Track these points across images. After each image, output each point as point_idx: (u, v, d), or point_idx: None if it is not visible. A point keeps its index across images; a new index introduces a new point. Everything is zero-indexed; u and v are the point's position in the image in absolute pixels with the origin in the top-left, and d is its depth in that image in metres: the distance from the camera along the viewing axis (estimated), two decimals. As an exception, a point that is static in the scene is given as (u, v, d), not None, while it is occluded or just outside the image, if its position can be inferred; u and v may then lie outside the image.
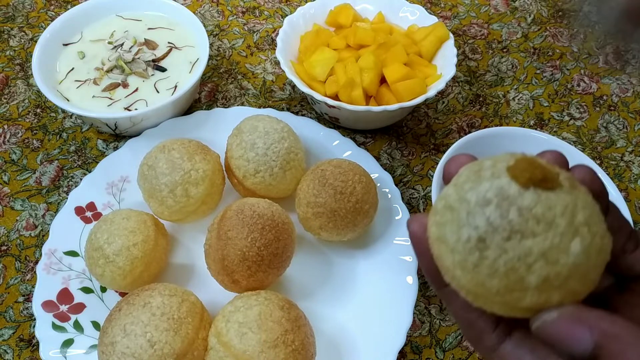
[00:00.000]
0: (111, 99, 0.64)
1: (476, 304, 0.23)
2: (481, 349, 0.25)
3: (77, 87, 0.65)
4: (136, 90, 0.65)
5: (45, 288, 0.53)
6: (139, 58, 0.67)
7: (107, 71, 0.66)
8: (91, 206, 0.59)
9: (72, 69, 0.67)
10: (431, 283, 0.25)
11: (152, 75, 0.66)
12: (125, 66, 0.66)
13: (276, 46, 0.64)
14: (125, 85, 0.66)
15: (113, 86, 0.65)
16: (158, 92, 0.65)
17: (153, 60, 0.67)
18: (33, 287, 0.54)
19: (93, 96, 0.64)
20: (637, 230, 0.25)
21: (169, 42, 0.69)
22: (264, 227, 0.48)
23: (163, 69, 0.67)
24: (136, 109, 0.63)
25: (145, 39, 0.69)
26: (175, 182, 0.52)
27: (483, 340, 0.24)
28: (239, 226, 0.48)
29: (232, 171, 0.56)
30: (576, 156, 0.57)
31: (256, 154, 0.55)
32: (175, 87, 0.65)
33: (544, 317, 0.20)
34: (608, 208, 0.25)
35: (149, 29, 0.71)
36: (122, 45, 0.68)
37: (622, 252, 0.24)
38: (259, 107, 0.69)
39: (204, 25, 0.68)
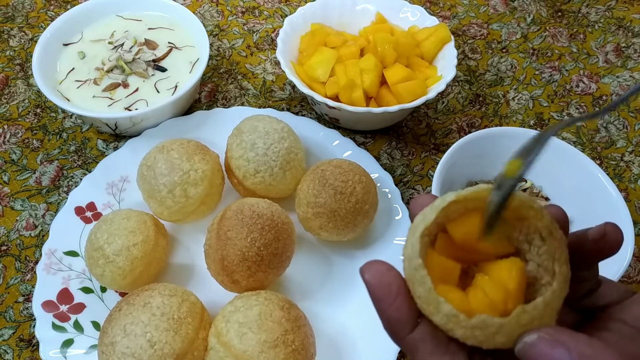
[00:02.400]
0: (111, 99, 0.64)
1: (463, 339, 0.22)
2: None
3: (78, 87, 0.65)
4: (136, 90, 0.65)
5: (45, 288, 0.53)
6: (139, 58, 0.67)
7: (108, 71, 0.66)
8: (91, 206, 0.59)
9: (73, 69, 0.67)
10: (393, 332, 0.23)
11: (153, 75, 0.66)
12: (125, 66, 0.66)
13: (276, 46, 0.64)
14: (125, 85, 0.66)
15: (113, 86, 0.65)
16: (158, 92, 0.65)
17: (153, 60, 0.67)
18: (33, 287, 0.54)
19: (93, 96, 0.64)
20: (600, 275, 0.26)
21: (169, 42, 0.69)
22: (263, 227, 0.48)
23: (163, 69, 0.67)
24: (136, 109, 0.63)
25: (145, 39, 0.69)
26: (174, 182, 0.52)
27: None
28: (239, 226, 0.48)
29: (232, 171, 0.56)
30: (576, 156, 0.57)
31: (256, 154, 0.55)
32: (176, 87, 0.65)
33: (525, 339, 0.21)
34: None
35: (149, 29, 0.71)
36: (122, 45, 0.68)
37: (589, 292, 0.26)
38: (259, 107, 0.69)
39: (204, 26, 0.68)
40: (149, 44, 0.69)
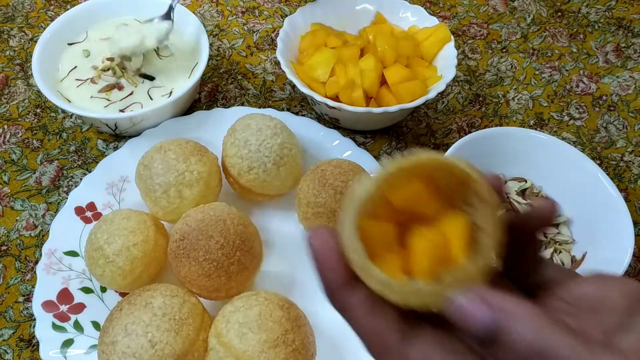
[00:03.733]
0: (108, 99, 0.64)
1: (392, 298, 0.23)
2: (386, 356, 0.23)
3: (78, 86, 0.65)
4: (131, 93, 0.65)
5: (45, 288, 0.53)
6: (124, 69, 0.66)
7: (103, 70, 0.66)
8: (91, 206, 0.59)
9: (75, 67, 0.67)
10: (331, 295, 0.24)
11: (143, 82, 0.66)
12: (117, 69, 0.66)
13: (276, 46, 0.64)
14: (120, 87, 0.66)
15: (109, 87, 0.65)
16: (151, 98, 0.65)
17: (137, 69, 0.67)
18: (33, 287, 0.54)
19: (91, 96, 0.65)
20: (546, 258, 0.27)
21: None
22: (190, 253, 0.49)
23: (151, 78, 0.67)
24: (131, 111, 0.63)
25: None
26: (169, 183, 0.52)
27: (389, 346, 0.23)
28: (182, 256, 0.49)
29: (228, 170, 0.56)
30: (576, 156, 0.57)
31: (249, 150, 0.55)
32: (171, 92, 0.65)
33: (452, 300, 0.22)
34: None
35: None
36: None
37: (532, 272, 0.27)
38: (259, 107, 0.69)
39: (204, 26, 0.68)
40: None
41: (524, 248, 0.26)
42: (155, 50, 0.68)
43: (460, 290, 0.22)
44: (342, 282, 0.24)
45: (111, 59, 0.67)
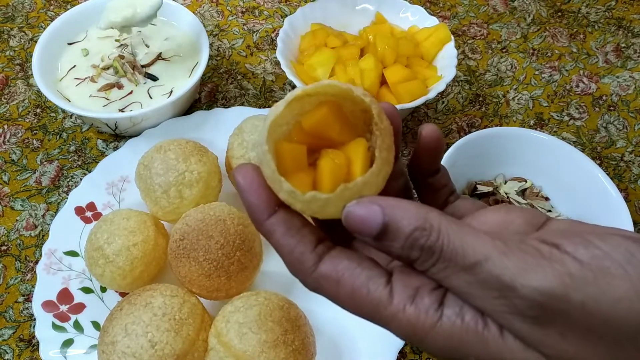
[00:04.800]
0: (107, 99, 0.64)
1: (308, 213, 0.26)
2: (303, 273, 0.26)
3: (77, 85, 0.65)
4: (130, 93, 0.65)
5: (45, 288, 0.53)
6: (125, 64, 0.66)
7: (104, 68, 0.66)
8: (91, 206, 0.59)
9: (74, 66, 0.67)
10: (255, 219, 0.26)
11: (144, 83, 0.66)
12: (119, 67, 0.66)
13: (276, 46, 0.64)
14: (120, 86, 0.66)
15: (109, 86, 0.65)
16: (151, 97, 0.65)
17: (143, 66, 0.67)
18: (33, 287, 0.54)
19: (90, 95, 0.65)
20: (456, 189, 0.31)
21: (159, 51, 0.69)
22: (191, 253, 0.49)
23: (155, 78, 0.67)
24: (131, 111, 0.63)
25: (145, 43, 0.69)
26: (169, 183, 0.52)
27: (303, 262, 0.25)
28: (182, 256, 0.49)
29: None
30: (576, 156, 0.57)
31: (257, 153, 0.54)
32: (171, 92, 0.65)
33: (347, 207, 0.24)
34: (438, 169, 0.30)
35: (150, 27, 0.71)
36: (126, 46, 0.68)
37: (446, 203, 0.30)
38: (259, 107, 0.69)
39: (204, 26, 0.68)
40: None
41: (431, 178, 0.30)
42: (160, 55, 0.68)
43: (354, 199, 0.24)
44: (265, 207, 0.26)
45: (122, 57, 0.67)
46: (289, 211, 0.26)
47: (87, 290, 0.54)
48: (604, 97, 0.73)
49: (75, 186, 0.61)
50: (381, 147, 0.25)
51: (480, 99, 0.73)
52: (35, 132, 0.67)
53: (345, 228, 0.25)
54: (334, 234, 0.28)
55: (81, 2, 0.76)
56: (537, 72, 0.75)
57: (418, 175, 0.30)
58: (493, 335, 0.23)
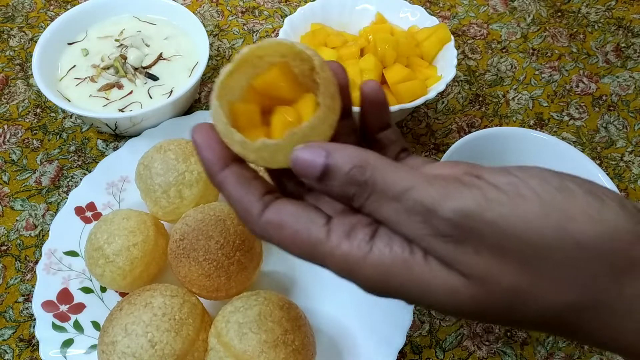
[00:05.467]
0: (107, 99, 0.64)
1: (261, 163, 0.27)
2: (250, 221, 0.27)
3: (77, 85, 0.65)
4: (130, 92, 0.65)
5: (45, 288, 0.53)
6: (125, 62, 0.66)
7: (104, 68, 0.66)
8: (91, 206, 0.59)
9: (74, 66, 0.67)
10: (208, 172, 0.28)
11: (145, 83, 0.66)
12: (119, 67, 0.66)
13: (276, 46, 0.64)
14: (120, 86, 0.66)
15: (109, 86, 0.65)
16: (151, 97, 0.65)
17: (144, 67, 0.67)
18: (33, 287, 0.54)
19: (90, 95, 0.64)
20: (408, 147, 0.32)
21: (160, 52, 0.69)
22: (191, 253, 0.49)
23: (155, 78, 0.67)
24: (131, 111, 0.63)
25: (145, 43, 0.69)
26: (169, 183, 0.52)
27: (251, 210, 0.27)
28: (182, 256, 0.49)
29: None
30: (576, 156, 0.57)
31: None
32: (171, 92, 0.65)
33: (294, 151, 0.26)
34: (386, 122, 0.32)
35: (150, 26, 0.71)
36: (126, 46, 0.68)
37: (397, 159, 0.31)
38: (259, 107, 0.69)
39: (204, 26, 0.68)
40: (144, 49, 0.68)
41: (380, 132, 0.32)
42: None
43: (300, 145, 0.26)
44: (218, 160, 0.27)
45: (124, 57, 0.67)
46: (242, 165, 0.28)
47: (87, 290, 0.54)
48: (604, 97, 0.73)
49: (75, 186, 0.61)
50: (324, 95, 0.27)
51: (480, 99, 0.73)
52: (35, 132, 0.67)
53: (298, 179, 0.26)
54: (286, 189, 0.30)
55: (81, 2, 0.76)
56: (537, 72, 0.75)
57: (367, 131, 0.32)
58: (417, 260, 0.24)
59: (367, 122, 0.32)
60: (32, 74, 0.64)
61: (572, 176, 0.24)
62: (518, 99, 0.73)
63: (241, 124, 0.27)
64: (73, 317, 0.52)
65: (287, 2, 0.82)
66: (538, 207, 0.23)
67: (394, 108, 0.59)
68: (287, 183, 0.31)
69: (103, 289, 0.54)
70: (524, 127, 0.70)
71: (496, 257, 0.23)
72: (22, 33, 0.77)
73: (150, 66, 0.67)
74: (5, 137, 0.67)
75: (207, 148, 0.27)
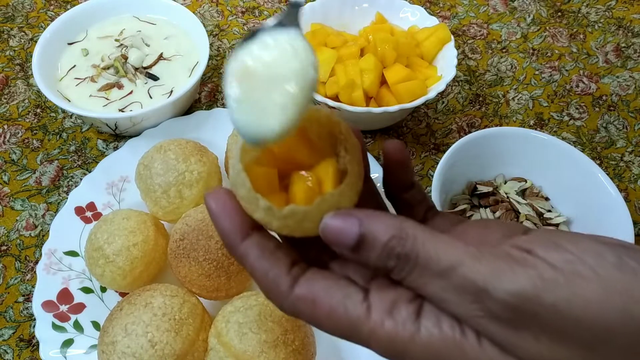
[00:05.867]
0: (107, 99, 0.64)
1: (284, 233, 0.25)
2: (278, 297, 0.25)
3: (77, 85, 0.65)
4: (131, 92, 0.65)
5: (45, 288, 0.53)
6: (126, 62, 0.66)
7: (104, 68, 0.66)
8: (91, 206, 0.59)
9: (74, 66, 0.67)
10: (228, 244, 0.26)
11: (146, 83, 0.66)
12: (120, 67, 0.66)
13: (276, 46, 0.64)
14: (120, 86, 0.66)
15: (109, 86, 0.65)
16: (151, 97, 0.65)
17: (144, 67, 0.67)
18: (33, 287, 0.54)
19: (90, 95, 0.65)
20: (434, 205, 0.31)
21: (161, 52, 0.69)
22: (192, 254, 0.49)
23: (155, 78, 0.67)
24: (131, 110, 0.63)
25: (145, 43, 0.69)
26: (169, 183, 0.52)
27: (279, 286, 0.25)
28: (182, 256, 0.49)
29: (232, 171, 0.56)
30: (576, 156, 0.57)
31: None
32: (171, 92, 0.65)
33: (324, 219, 0.24)
34: (412, 183, 0.30)
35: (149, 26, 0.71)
36: (127, 46, 0.68)
37: (424, 220, 0.30)
38: (259, 107, 0.69)
39: (204, 26, 0.68)
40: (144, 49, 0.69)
41: (405, 193, 0.30)
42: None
43: (330, 212, 0.24)
44: (238, 230, 0.25)
45: (125, 56, 0.67)
46: (263, 234, 0.26)
47: (87, 290, 0.54)
48: (604, 97, 0.73)
49: (75, 186, 0.61)
50: (352, 161, 0.26)
51: (480, 99, 0.73)
52: (35, 132, 0.67)
53: (321, 246, 0.25)
54: (308, 257, 0.27)
55: (81, 2, 0.76)
56: (537, 72, 0.75)
57: (392, 191, 0.31)
58: (471, 343, 0.23)
59: (391, 183, 0.30)
60: (32, 74, 0.64)
61: (626, 248, 0.23)
62: (518, 99, 0.73)
63: (259, 188, 0.25)
64: (73, 317, 0.52)
65: (287, 2, 0.82)
66: (598, 288, 0.21)
67: (394, 108, 0.59)
68: (309, 252, 0.28)
69: (103, 289, 0.54)
70: (524, 127, 0.70)
71: (557, 343, 0.22)
72: (22, 33, 0.77)
73: (151, 66, 0.67)
74: (5, 137, 0.67)
75: (226, 217, 0.26)
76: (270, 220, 0.25)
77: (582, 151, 0.59)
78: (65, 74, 0.66)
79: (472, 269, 0.22)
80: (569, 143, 0.61)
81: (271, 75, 0.23)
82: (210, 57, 0.75)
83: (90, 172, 0.61)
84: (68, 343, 0.50)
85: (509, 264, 0.22)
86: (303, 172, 0.27)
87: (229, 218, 0.26)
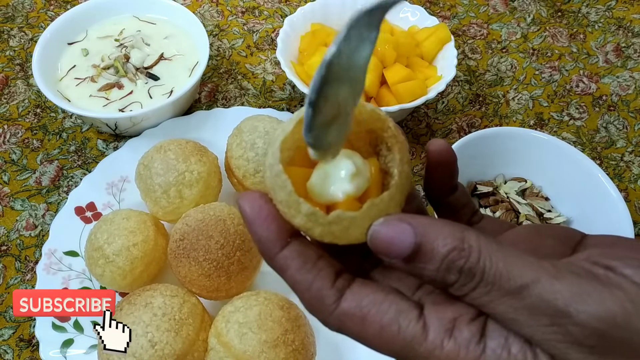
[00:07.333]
0: (107, 99, 0.64)
1: (326, 240, 0.23)
2: (323, 312, 0.23)
3: (77, 85, 0.65)
4: (131, 92, 0.65)
5: (45, 288, 0.53)
6: (127, 62, 0.66)
7: (104, 68, 0.66)
8: (91, 206, 0.59)
9: (74, 66, 0.67)
10: (265, 252, 0.24)
11: (146, 83, 0.66)
12: (120, 67, 0.66)
13: (276, 46, 0.64)
14: (120, 86, 0.66)
15: (109, 86, 0.65)
16: (151, 97, 0.65)
17: (145, 67, 0.67)
18: (33, 287, 0.54)
19: (90, 95, 0.64)
20: (479, 210, 0.28)
21: (163, 52, 0.69)
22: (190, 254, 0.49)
23: (156, 78, 0.67)
24: (131, 110, 0.63)
25: (145, 42, 0.69)
26: (169, 183, 0.52)
27: (323, 300, 0.23)
28: (182, 256, 0.49)
29: (232, 171, 0.56)
30: (576, 156, 0.57)
31: (256, 153, 0.55)
32: (171, 92, 0.65)
33: (373, 227, 0.22)
34: (456, 186, 0.28)
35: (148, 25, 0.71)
36: (128, 47, 0.68)
37: (470, 224, 0.28)
38: (259, 107, 0.70)
39: (204, 26, 0.68)
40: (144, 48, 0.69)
41: (450, 196, 0.28)
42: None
43: (379, 218, 0.22)
44: (276, 238, 0.23)
45: (127, 56, 0.67)
46: (303, 242, 0.24)
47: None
48: (604, 97, 0.73)
49: (75, 186, 0.61)
50: (402, 161, 0.24)
51: (480, 99, 0.73)
52: (35, 132, 0.67)
53: (362, 253, 0.23)
54: (348, 265, 0.25)
55: (81, 2, 0.76)
56: (537, 72, 0.75)
57: (434, 194, 0.28)
58: None
59: (434, 186, 0.28)
60: (32, 74, 0.64)
61: None
62: (518, 99, 0.73)
63: (299, 192, 0.23)
64: (73, 317, 0.52)
65: (287, 2, 0.82)
66: None
67: (393, 108, 0.59)
68: (348, 259, 0.26)
69: (103, 289, 0.54)
70: (524, 127, 0.70)
71: None
72: (22, 33, 0.77)
73: (151, 66, 0.67)
74: (5, 137, 0.67)
75: (262, 223, 0.23)
76: (313, 226, 0.23)
77: (582, 151, 0.59)
78: (65, 74, 0.66)
79: (549, 288, 0.20)
80: (569, 143, 0.61)
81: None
82: (210, 57, 0.75)
83: (90, 172, 0.61)
84: (68, 343, 0.50)
85: (592, 284, 0.20)
86: None
87: (266, 224, 0.23)
